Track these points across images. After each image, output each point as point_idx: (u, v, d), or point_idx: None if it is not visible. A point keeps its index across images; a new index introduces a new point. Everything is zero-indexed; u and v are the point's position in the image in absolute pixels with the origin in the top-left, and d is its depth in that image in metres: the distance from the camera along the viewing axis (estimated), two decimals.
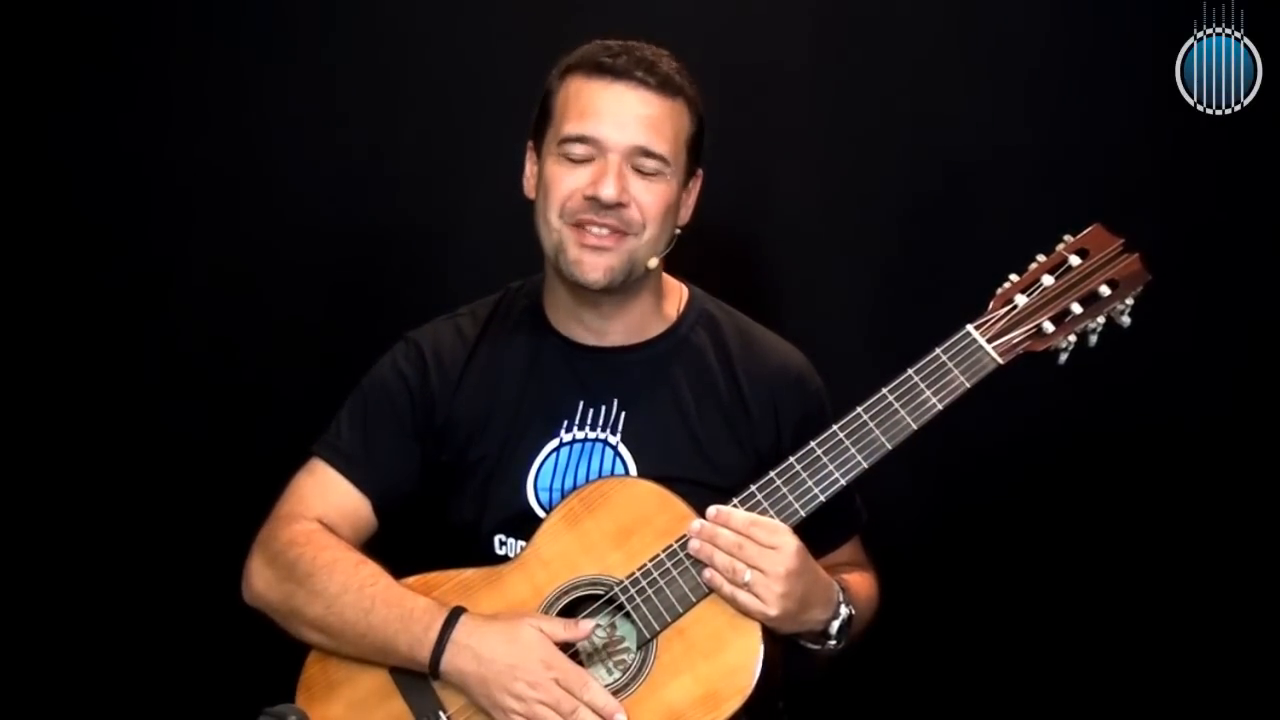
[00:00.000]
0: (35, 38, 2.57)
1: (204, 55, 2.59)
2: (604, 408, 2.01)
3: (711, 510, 1.83)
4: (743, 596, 1.81)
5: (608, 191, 1.91)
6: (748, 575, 1.80)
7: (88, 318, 2.61)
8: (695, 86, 1.98)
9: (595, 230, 1.93)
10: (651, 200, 1.94)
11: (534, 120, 2.01)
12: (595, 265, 1.94)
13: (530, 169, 2.03)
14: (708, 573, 1.82)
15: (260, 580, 1.96)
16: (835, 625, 1.88)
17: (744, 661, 1.82)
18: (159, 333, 2.62)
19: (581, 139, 1.93)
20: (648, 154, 1.93)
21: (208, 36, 2.59)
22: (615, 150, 1.92)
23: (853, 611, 1.90)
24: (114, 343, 2.62)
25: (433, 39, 2.57)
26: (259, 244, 2.61)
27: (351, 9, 2.59)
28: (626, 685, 1.84)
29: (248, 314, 2.62)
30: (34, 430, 2.62)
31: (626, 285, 1.97)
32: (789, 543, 1.81)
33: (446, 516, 2.03)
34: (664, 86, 1.93)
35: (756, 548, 1.80)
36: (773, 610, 1.80)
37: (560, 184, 1.94)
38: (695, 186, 2.04)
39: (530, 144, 2.03)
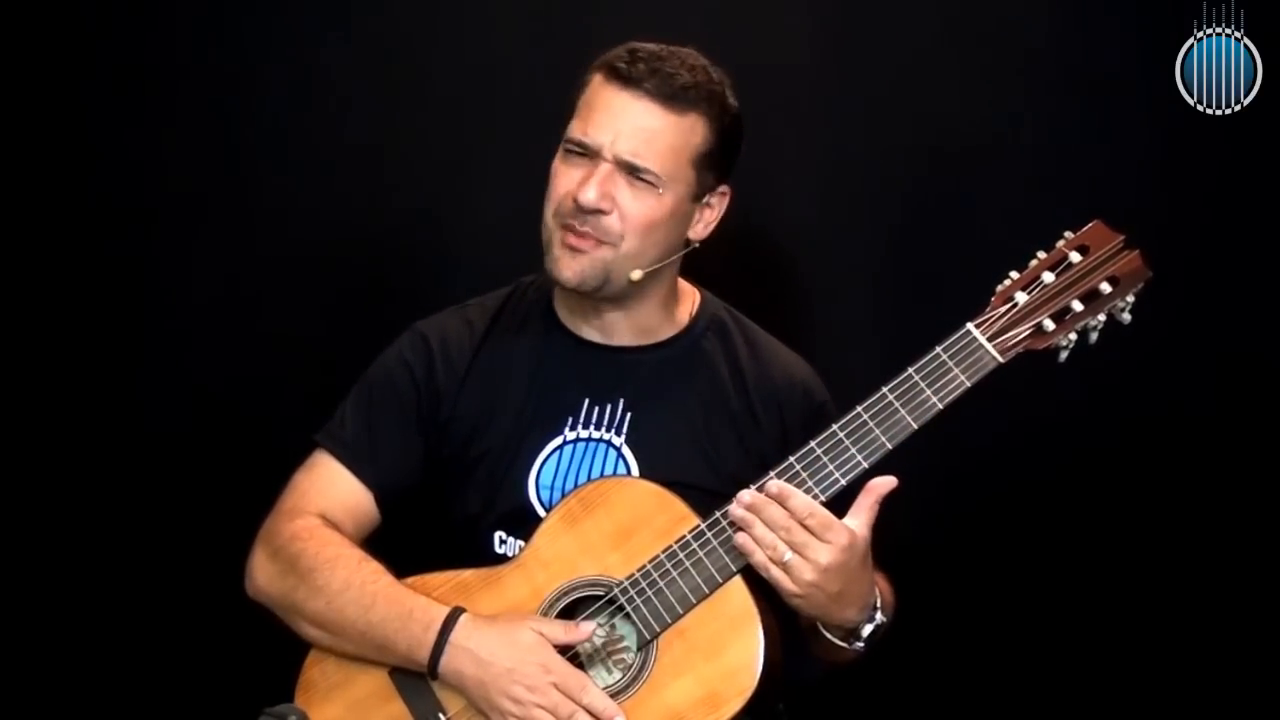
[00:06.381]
0: (35, 38, 2.57)
1: (207, 50, 2.59)
2: (609, 407, 2.00)
3: (774, 486, 1.78)
4: (775, 571, 1.77)
5: (587, 195, 1.89)
6: (787, 555, 1.76)
7: (89, 311, 2.61)
8: (724, 99, 1.94)
9: (575, 233, 1.92)
10: (636, 210, 1.91)
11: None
12: (568, 265, 1.92)
13: None
14: (741, 537, 1.79)
15: (262, 575, 1.96)
16: (867, 629, 1.85)
17: (745, 662, 1.81)
18: (163, 324, 2.61)
19: (579, 144, 1.92)
20: (634, 169, 1.90)
21: (210, 31, 2.58)
22: (605, 158, 1.90)
23: (886, 622, 1.87)
24: (117, 334, 2.61)
25: (442, 33, 2.57)
26: (265, 234, 2.60)
27: (356, 5, 2.59)
28: (627, 687, 1.84)
29: (253, 306, 2.61)
30: (36, 425, 2.61)
31: (609, 292, 1.96)
32: (840, 540, 1.76)
33: (447, 512, 2.03)
34: (673, 99, 1.90)
35: (805, 534, 1.76)
36: (799, 591, 1.77)
37: (558, 182, 1.94)
38: (718, 203, 2.01)
39: None
